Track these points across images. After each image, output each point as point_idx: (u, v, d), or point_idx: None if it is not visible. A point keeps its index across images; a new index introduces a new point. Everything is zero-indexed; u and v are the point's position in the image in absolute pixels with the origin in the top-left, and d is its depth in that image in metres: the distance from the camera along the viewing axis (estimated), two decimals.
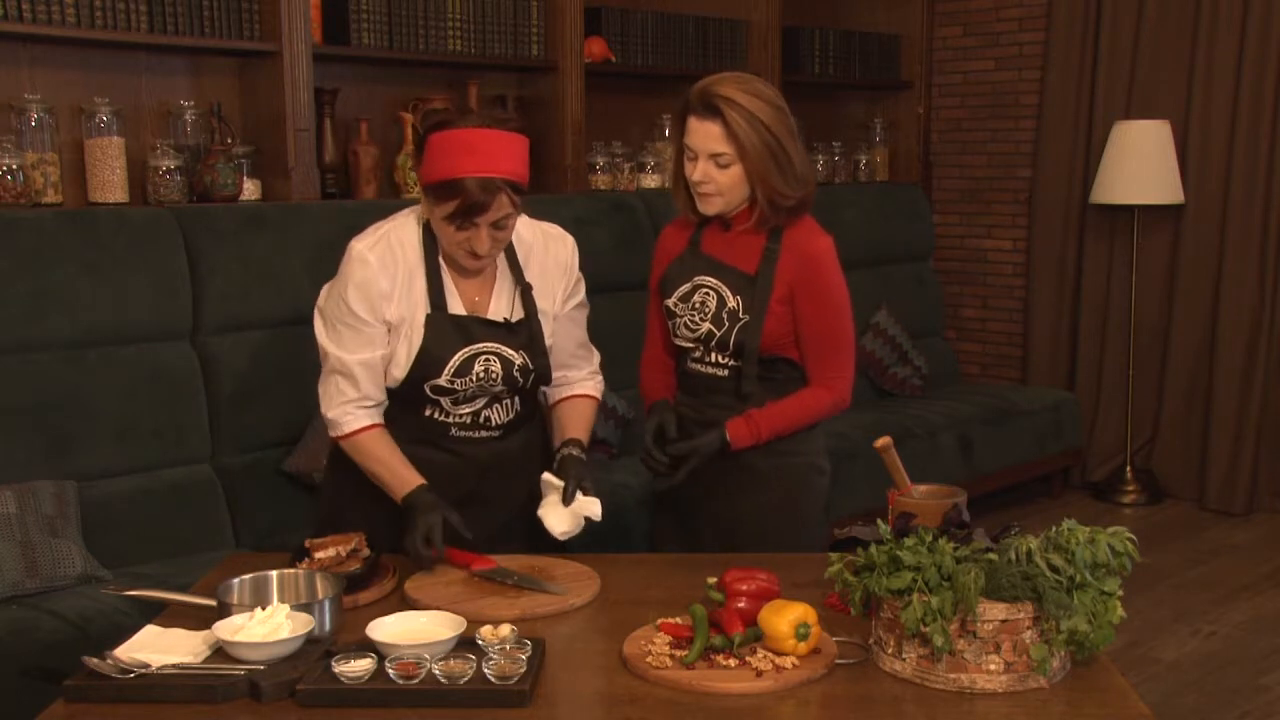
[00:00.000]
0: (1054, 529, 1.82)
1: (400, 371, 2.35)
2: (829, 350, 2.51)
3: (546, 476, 2.39)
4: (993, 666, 1.75)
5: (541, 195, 4.54)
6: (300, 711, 1.73)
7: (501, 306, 2.40)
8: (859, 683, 1.81)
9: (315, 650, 1.85)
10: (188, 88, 3.89)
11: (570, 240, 2.52)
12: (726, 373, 2.52)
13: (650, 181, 4.90)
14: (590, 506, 2.34)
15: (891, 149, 6.06)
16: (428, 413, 2.40)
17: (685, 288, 2.54)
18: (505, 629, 1.88)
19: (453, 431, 2.42)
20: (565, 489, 2.34)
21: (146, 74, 3.81)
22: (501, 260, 2.41)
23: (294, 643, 1.84)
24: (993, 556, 1.78)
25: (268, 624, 1.85)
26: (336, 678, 1.76)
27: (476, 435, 2.43)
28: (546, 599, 2.13)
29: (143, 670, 1.79)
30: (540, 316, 2.42)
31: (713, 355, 2.53)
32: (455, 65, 4.41)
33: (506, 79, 4.65)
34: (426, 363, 2.33)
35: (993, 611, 1.73)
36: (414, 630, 1.90)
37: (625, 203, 4.60)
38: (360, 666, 1.77)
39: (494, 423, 2.43)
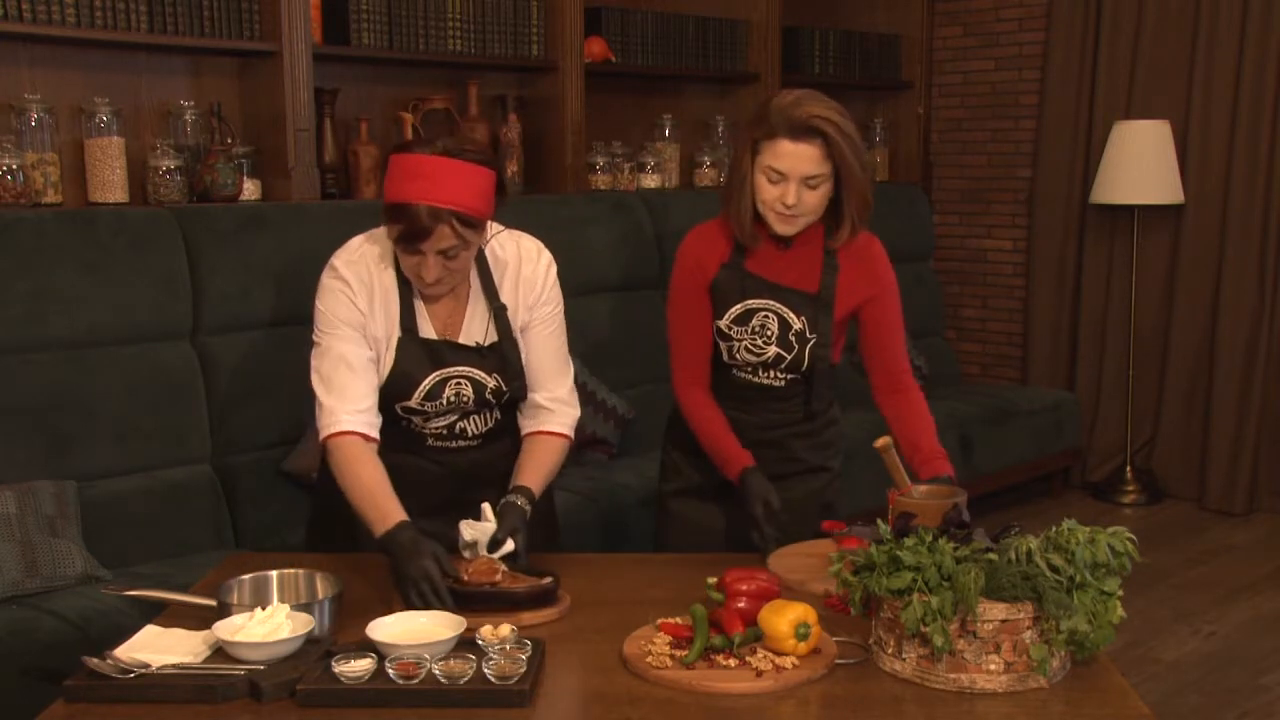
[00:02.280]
0: (1054, 529, 1.82)
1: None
2: (902, 346, 2.57)
3: (486, 508, 2.26)
4: (993, 666, 1.75)
5: (541, 195, 4.54)
6: (300, 711, 1.73)
7: (475, 330, 2.37)
8: (859, 683, 1.81)
9: (315, 650, 1.85)
10: (188, 88, 3.89)
11: (546, 257, 2.44)
12: (784, 383, 2.53)
13: (650, 181, 4.90)
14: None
15: (891, 149, 6.06)
16: (403, 423, 2.39)
17: (737, 310, 2.49)
18: (505, 629, 1.88)
19: (429, 441, 2.41)
20: (494, 535, 2.20)
21: (146, 74, 3.81)
22: (475, 282, 2.38)
23: (294, 643, 1.84)
24: (993, 556, 1.78)
25: (268, 624, 1.86)
26: (336, 678, 1.76)
27: (453, 445, 2.42)
28: None
29: (143, 670, 1.79)
30: (516, 336, 2.39)
31: (770, 372, 2.53)
32: (455, 65, 4.41)
33: (506, 79, 4.65)
34: (397, 385, 2.32)
35: (993, 611, 1.73)
36: (414, 630, 1.90)
37: (625, 203, 4.60)
38: (360, 666, 1.77)
39: (470, 433, 2.42)
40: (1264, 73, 5.11)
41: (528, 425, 2.48)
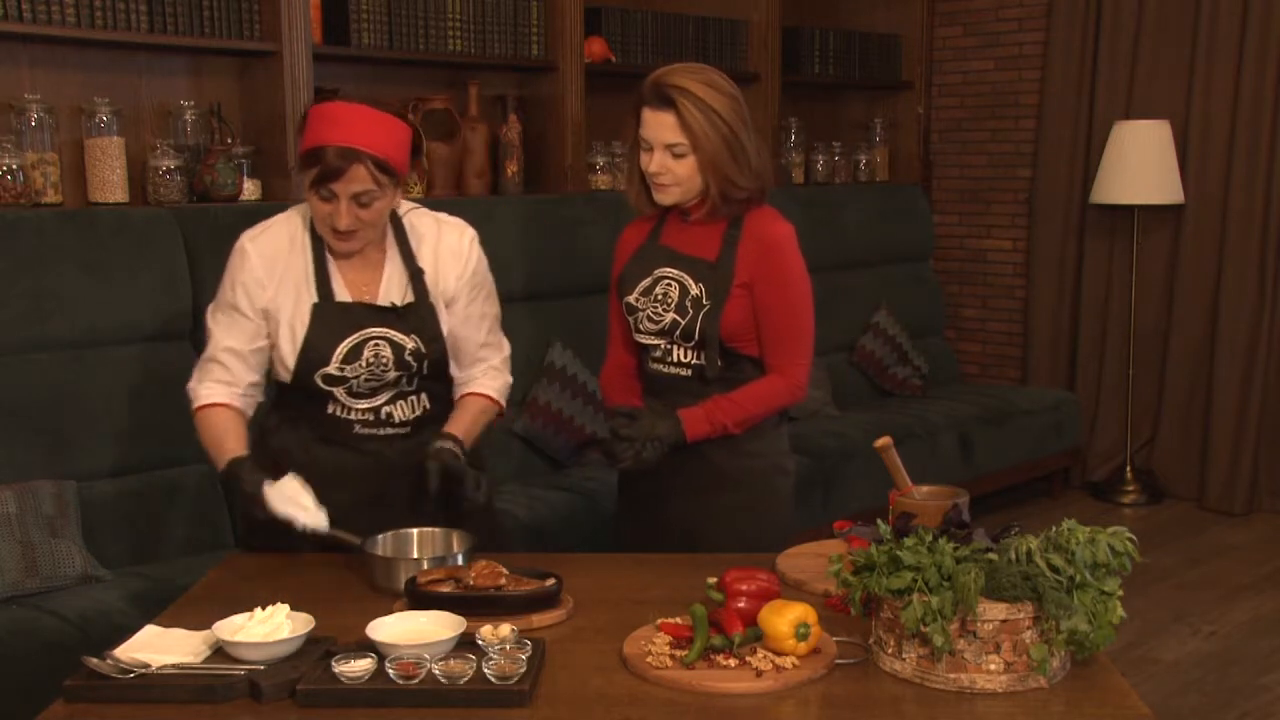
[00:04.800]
0: (1054, 529, 1.82)
1: (290, 362, 2.36)
2: (786, 336, 2.50)
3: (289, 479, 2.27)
4: (993, 666, 1.75)
5: (541, 195, 4.54)
6: (300, 711, 1.73)
7: (391, 291, 2.40)
8: (859, 683, 1.80)
9: (315, 650, 1.85)
10: (188, 88, 3.89)
11: (469, 231, 2.50)
12: (689, 372, 2.52)
13: None
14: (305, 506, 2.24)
15: (891, 149, 6.06)
16: (329, 409, 2.40)
17: (646, 282, 2.54)
18: (505, 629, 1.88)
19: (356, 429, 2.41)
20: (432, 488, 2.29)
21: (146, 74, 3.81)
22: (392, 247, 2.42)
23: (294, 643, 1.84)
24: (993, 556, 1.78)
25: (268, 624, 1.86)
26: (336, 678, 1.75)
27: (381, 433, 2.42)
28: None
29: (143, 670, 1.79)
30: (434, 301, 2.42)
31: (675, 352, 2.53)
32: (455, 65, 4.41)
33: (506, 79, 4.65)
34: (314, 350, 2.34)
35: (993, 611, 1.73)
36: (414, 630, 1.89)
37: (625, 203, 4.58)
38: (360, 666, 1.77)
39: (398, 419, 2.42)
40: (1264, 73, 5.11)
41: (459, 391, 2.52)
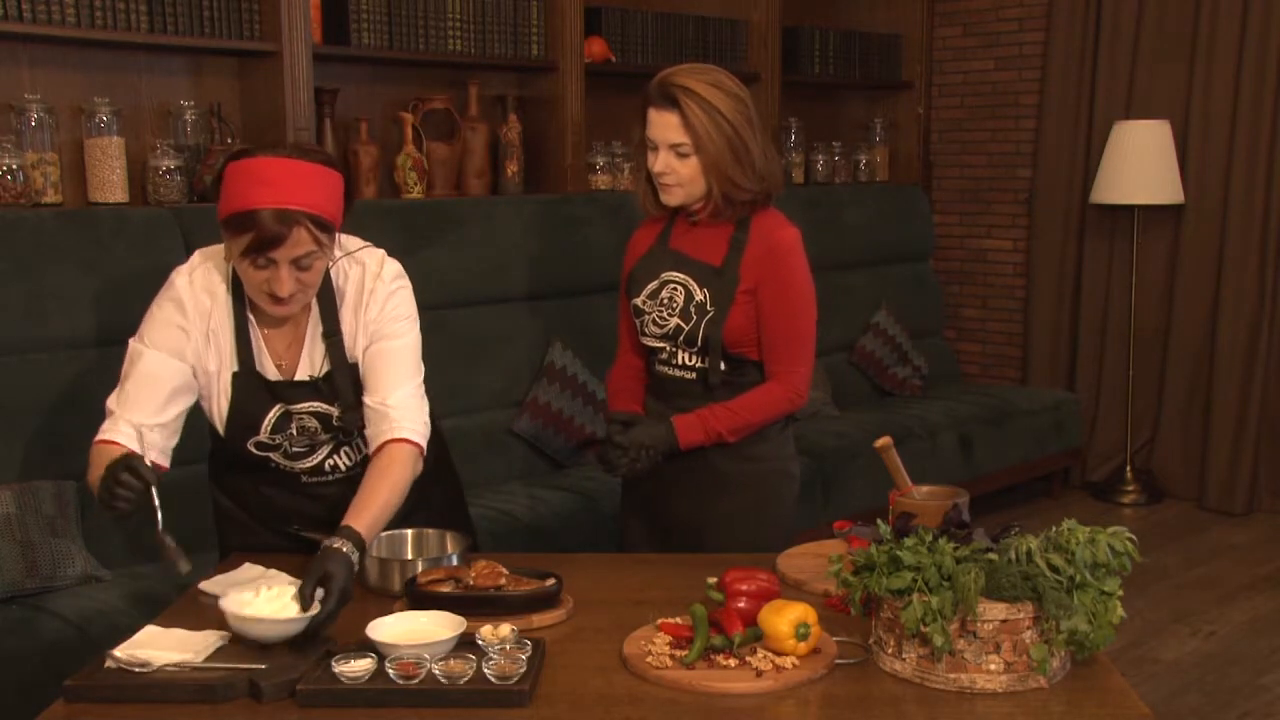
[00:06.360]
0: (1054, 529, 1.82)
1: (220, 427, 2.26)
2: (787, 342, 2.49)
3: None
4: (993, 666, 1.75)
5: (541, 195, 4.54)
6: (300, 711, 1.73)
7: (311, 362, 2.25)
8: (859, 683, 1.80)
9: (316, 650, 1.85)
10: (188, 88, 3.89)
11: (389, 272, 2.26)
12: (694, 375, 2.52)
13: None
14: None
15: (891, 149, 6.06)
16: (271, 464, 2.31)
17: (653, 285, 2.55)
18: (505, 629, 1.88)
19: (302, 479, 2.34)
20: (302, 589, 1.90)
21: (146, 74, 3.81)
22: (314, 309, 2.24)
23: (300, 623, 1.85)
24: (993, 556, 1.78)
25: (275, 603, 1.88)
26: (336, 678, 1.75)
27: (329, 479, 2.34)
28: None
29: (143, 670, 1.79)
30: (352, 363, 2.25)
31: (680, 355, 2.53)
32: (455, 65, 4.41)
33: (506, 79, 4.65)
34: (241, 421, 2.23)
35: (993, 611, 1.73)
36: (414, 630, 1.90)
37: (625, 203, 4.60)
38: (360, 666, 1.77)
39: (343, 467, 2.34)
40: (1264, 73, 5.11)
41: (377, 435, 2.23)
